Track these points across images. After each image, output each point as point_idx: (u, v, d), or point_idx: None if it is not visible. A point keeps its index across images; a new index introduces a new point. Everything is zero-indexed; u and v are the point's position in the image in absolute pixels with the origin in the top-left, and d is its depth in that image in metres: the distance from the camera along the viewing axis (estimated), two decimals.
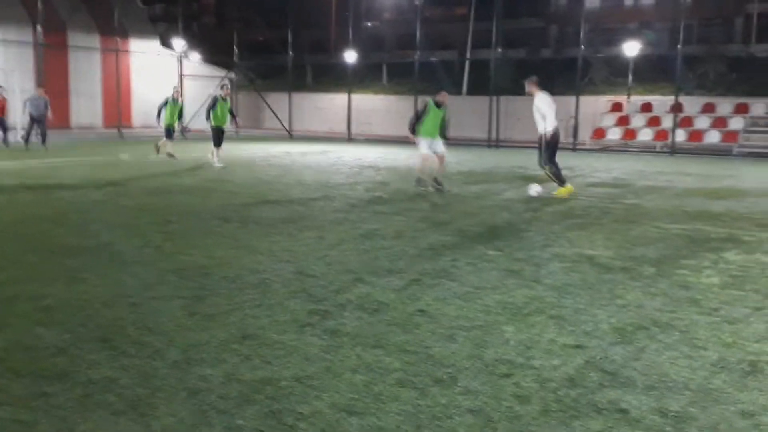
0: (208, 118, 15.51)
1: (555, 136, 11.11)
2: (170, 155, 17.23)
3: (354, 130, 30.85)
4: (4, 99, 20.02)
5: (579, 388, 3.55)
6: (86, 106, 29.11)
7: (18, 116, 21.09)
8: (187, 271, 5.82)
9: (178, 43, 31.56)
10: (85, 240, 7.03)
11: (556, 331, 4.45)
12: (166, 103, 17.40)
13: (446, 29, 38.21)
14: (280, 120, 32.42)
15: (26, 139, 19.41)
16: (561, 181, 11.32)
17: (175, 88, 18.66)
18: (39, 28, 24.92)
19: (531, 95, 11.24)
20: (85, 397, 3.32)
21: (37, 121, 19.35)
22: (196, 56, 34.15)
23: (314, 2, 36.79)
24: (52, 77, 26.40)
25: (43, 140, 19.35)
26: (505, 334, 4.38)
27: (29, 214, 8.52)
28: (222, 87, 16.41)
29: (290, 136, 31.04)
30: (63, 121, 27.76)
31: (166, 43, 33.26)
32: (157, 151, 17.60)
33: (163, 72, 31.46)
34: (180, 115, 18.23)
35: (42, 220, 8.15)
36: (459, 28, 37.19)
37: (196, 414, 3.18)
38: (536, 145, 11.41)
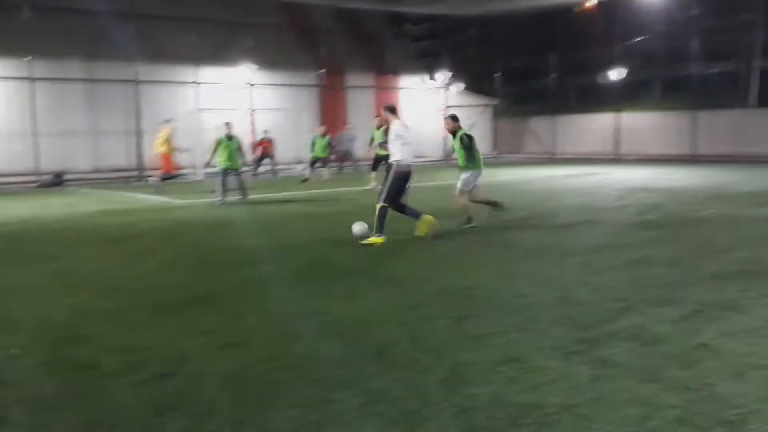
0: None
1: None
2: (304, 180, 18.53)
3: (622, 150, 29.45)
4: (269, 141, 22.73)
5: None
6: (360, 140, 31.70)
7: (290, 152, 23.47)
8: (452, 292, 6.01)
9: (442, 75, 33.04)
10: (360, 262, 7.62)
11: None
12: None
13: (727, 38, 34.81)
14: (542, 143, 32.16)
15: (339, 168, 22.75)
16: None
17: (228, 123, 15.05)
18: (322, 72, 27.89)
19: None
20: (364, 405, 3.59)
21: (345, 153, 22.31)
22: (457, 86, 35.40)
23: (576, 23, 35.98)
24: (331, 115, 29.28)
25: (340, 170, 22.63)
26: None
27: (313, 238, 9.47)
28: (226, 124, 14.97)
29: (553, 160, 30.60)
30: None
31: (431, 77, 35.01)
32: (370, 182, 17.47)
33: (429, 104, 33.15)
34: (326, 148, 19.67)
35: (323, 243, 9.00)
36: (743, 36, 33.62)
37: (465, 431, 3.26)
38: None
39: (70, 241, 9.57)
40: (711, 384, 3.74)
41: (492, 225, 10.22)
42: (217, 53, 26.21)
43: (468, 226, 9.79)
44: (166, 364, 4.29)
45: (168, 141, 17.47)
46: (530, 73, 38.49)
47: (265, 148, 22.91)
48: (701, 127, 27.16)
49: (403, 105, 33.00)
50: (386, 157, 12.16)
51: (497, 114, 35.63)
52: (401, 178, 8.84)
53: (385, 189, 8.87)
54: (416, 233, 8.97)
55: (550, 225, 10.15)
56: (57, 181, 20.37)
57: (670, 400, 3.55)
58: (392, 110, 9.43)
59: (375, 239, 8.63)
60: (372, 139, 17.21)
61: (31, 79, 20.68)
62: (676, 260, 7.22)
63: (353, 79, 31.35)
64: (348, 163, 22.72)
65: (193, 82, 24.24)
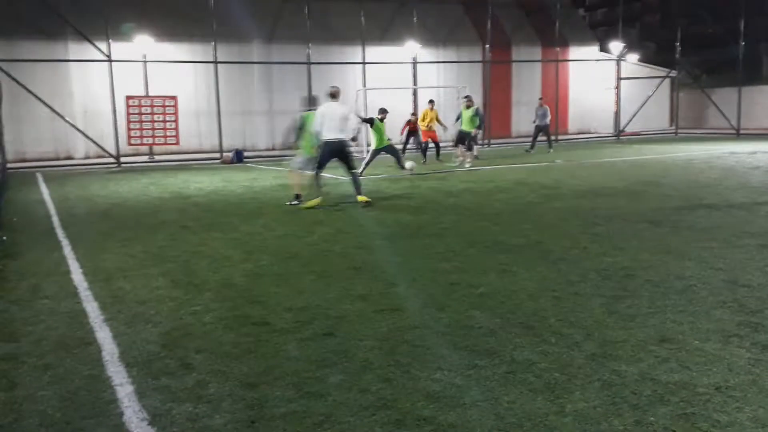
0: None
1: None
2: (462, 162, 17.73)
3: None
4: (414, 123, 22.44)
5: None
6: (526, 115, 31.10)
7: (451, 130, 23.29)
8: (610, 271, 5.90)
9: (616, 46, 31.40)
10: (516, 238, 7.66)
11: None
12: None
13: None
14: (726, 117, 29.66)
15: (532, 146, 22.27)
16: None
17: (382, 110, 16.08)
18: (487, 47, 27.62)
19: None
20: (509, 373, 3.72)
21: (542, 128, 21.89)
22: (633, 58, 33.52)
23: None
24: (496, 91, 28.99)
25: (550, 145, 22.07)
26: None
27: (473, 213, 9.60)
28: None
29: (737, 135, 28.17)
30: (505, 130, 30.25)
31: (604, 48, 33.44)
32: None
33: (600, 76, 31.76)
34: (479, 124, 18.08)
35: (481, 218, 9.12)
36: None
37: (608, 404, 3.29)
38: None
39: (251, 212, 10.47)
40: None
41: (661, 206, 9.77)
42: (384, 32, 26.85)
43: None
44: (328, 324, 4.67)
45: (431, 118, 19.32)
46: (715, 41, 35.56)
47: (412, 126, 23.14)
48: None
49: (574, 78, 31.92)
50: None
51: (679, 86, 33.31)
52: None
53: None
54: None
55: (727, 205, 9.50)
56: (238, 158, 22.09)
57: None
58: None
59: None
60: (458, 117, 18.01)
61: (216, 63, 22.52)
62: None
63: (520, 53, 30.74)
64: (542, 138, 22.03)
65: (361, 62, 25.05)
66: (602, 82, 31.87)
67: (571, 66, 31.67)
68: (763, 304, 4.75)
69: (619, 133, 30.28)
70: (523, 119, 29.84)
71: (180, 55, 23.91)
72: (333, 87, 10.76)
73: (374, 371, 3.82)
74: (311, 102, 11.98)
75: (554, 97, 28.30)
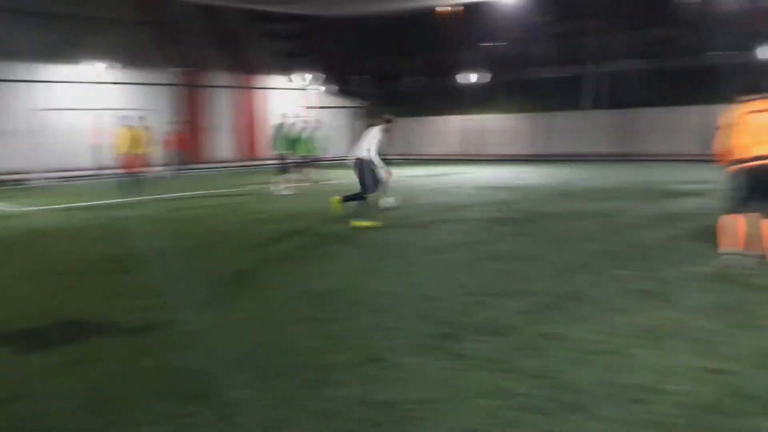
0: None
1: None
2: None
3: (480, 150, 30.74)
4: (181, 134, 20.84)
5: (719, 415, 3.34)
6: (220, 141, 30.87)
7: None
8: (315, 294, 6.03)
9: (308, 76, 32.97)
10: (215, 268, 7.47)
11: (694, 355, 4.20)
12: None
13: (574, 43, 37.27)
14: (406, 144, 32.88)
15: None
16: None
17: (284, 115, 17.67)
18: (176, 70, 27.02)
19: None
20: (224, 416, 3.52)
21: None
22: (324, 87, 35.49)
23: (437, 26, 37.14)
24: (191, 116, 28.39)
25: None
26: (637, 358, 4.20)
27: (183, 242, 9.15)
28: (287, 116, 17.30)
29: (415, 160, 31.41)
30: (203, 155, 29.74)
31: (296, 77, 34.83)
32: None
33: (294, 105, 32.97)
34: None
35: (195, 248, 8.72)
36: (587, 41, 36.15)
37: None
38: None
39: None
40: (556, 371, 4.01)
41: (348, 226, 10.34)
42: (67, 50, 24.65)
43: None
44: (10, 390, 4.00)
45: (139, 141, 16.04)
46: (396, 75, 39.30)
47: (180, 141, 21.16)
48: (552, 128, 28.99)
49: (271, 105, 32.63)
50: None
51: (366, 116, 36.06)
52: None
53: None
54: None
55: (411, 224, 10.42)
56: None
57: (519, 388, 3.77)
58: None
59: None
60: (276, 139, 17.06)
61: None
62: (529, 254, 7.67)
63: (215, 78, 30.55)
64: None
65: (37, 81, 22.70)
66: (297, 110, 33.14)
67: (270, 94, 32.40)
68: (452, 316, 5.25)
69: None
70: (219, 144, 29.67)
71: None
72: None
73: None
74: None
75: (248, 123, 28.64)
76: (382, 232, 9.61)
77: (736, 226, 6.57)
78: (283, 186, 16.19)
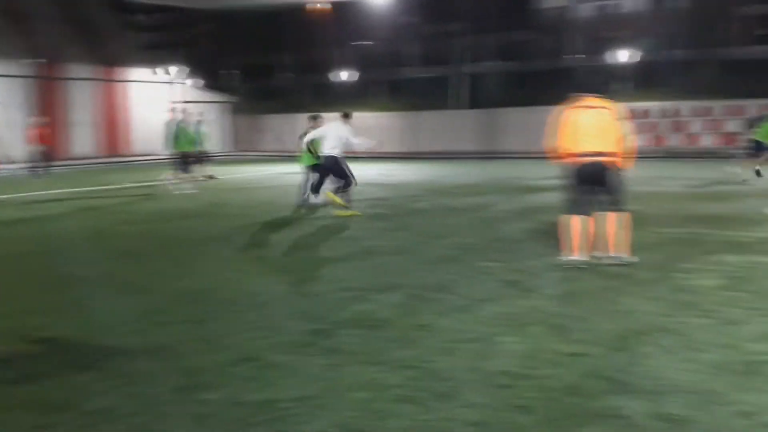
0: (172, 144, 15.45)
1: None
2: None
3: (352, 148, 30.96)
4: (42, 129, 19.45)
5: (580, 396, 3.56)
6: (82, 136, 29.18)
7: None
8: (186, 296, 5.84)
9: (174, 69, 31.78)
10: (85, 271, 7.06)
11: (556, 340, 4.46)
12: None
13: (441, 45, 38.48)
14: (279, 140, 32.58)
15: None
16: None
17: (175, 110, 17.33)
18: (35, 60, 25.18)
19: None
20: (84, 427, 3.33)
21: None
22: (192, 82, 34.40)
23: (308, 24, 37.04)
24: (48, 109, 26.58)
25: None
26: (505, 345, 4.40)
27: (39, 246, 8.55)
28: (182, 111, 16.44)
29: (290, 157, 31.16)
30: (62, 151, 27.93)
31: (162, 70, 33.52)
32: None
33: (163, 99, 31.71)
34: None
35: (54, 252, 8.17)
36: (454, 43, 37.47)
37: None
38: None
39: None
40: (427, 361, 4.12)
41: (228, 225, 10.13)
42: None
43: None
44: None
45: None
46: (267, 71, 38.77)
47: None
48: (422, 126, 29.74)
49: (135, 100, 31.17)
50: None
51: (235, 111, 35.29)
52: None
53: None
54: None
55: (286, 221, 10.34)
56: None
57: (392, 380, 3.83)
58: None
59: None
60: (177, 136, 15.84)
61: None
62: (400, 248, 7.83)
63: (74, 70, 28.77)
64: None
65: None
66: (165, 105, 31.90)
67: (134, 88, 30.94)
68: (326, 311, 5.25)
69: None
70: (79, 140, 28.02)
71: None
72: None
73: None
74: None
75: (110, 118, 27.27)
76: (259, 231, 9.46)
77: (572, 230, 6.58)
78: (189, 185, 15.52)
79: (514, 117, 27.43)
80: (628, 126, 6.69)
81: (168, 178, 15.72)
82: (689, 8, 34.59)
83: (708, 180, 15.37)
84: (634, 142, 6.79)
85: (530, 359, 4.13)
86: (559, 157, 6.77)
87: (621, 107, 6.79)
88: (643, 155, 26.61)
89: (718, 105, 27.51)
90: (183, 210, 11.95)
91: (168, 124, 16.05)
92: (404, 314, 5.13)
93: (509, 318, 4.99)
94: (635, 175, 17.03)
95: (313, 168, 11.65)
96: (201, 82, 35.22)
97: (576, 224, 6.61)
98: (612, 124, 6.55)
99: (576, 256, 6.58)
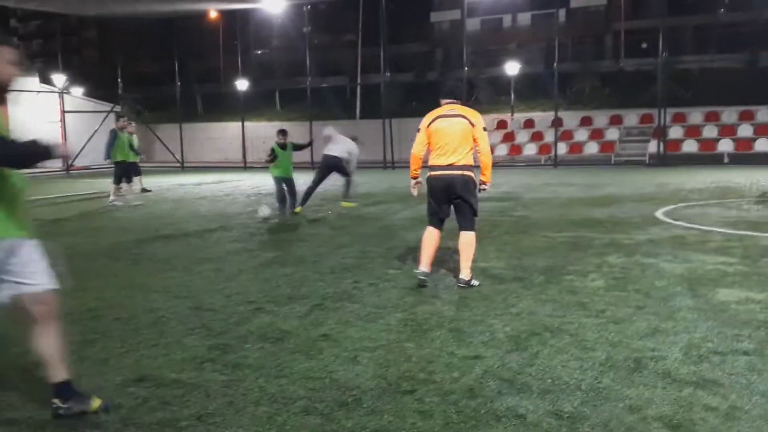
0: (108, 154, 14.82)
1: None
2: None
3: (249, 157, 30.52)
4: None
5: (479, 398, 3.66)
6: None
7: None
8: (75, 315, 5.54)
9: (58, 78, 30.21)
10: None
11: (455, 344, 4.57)
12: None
13: (336, 56, 38.68)
14: (171, 152, 31.62)
15: None
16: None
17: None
18: None
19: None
20: None
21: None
22: (78, 91, 32.82)
23: (201, 32, 36.24)
24: None
25: None
26: (407, 351, 4.45)
27: None
28: (118, 119, 15.85)
29: (182, 168, 30.30)
30: None
31: (45, 80, 31.77)
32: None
33: (43, 109, 30.03)
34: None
35: None
36: (348, 54, 37.78)
37: None
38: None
39: None
40: (331, 371, 4.11)
41: (120, 240, 9.72)
42: None
43: None
44: None
45: None
46: (157, 79, 37.54)
47: None
48: (317, 136, 29.70)
49: (13, 109, 29.31)
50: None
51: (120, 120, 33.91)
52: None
53: None
54: None
55: (182, 234, 10.04)
56: None
57: (297, 392, 3.79)
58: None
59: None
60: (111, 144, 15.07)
61: None
62: (301, 259, 7.78)
63: None
64: None
65: None
66: (45, 114, 30.24)
67: (9, 97, 29.10)
68: (227, 326, 5.13)
69: (68, 167, 29.16)
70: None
71: None
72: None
73: None
74: None
75: None
76: (152, 244, 9.13)
77: (428, 243, 6.36)
78: (133, 196, 14.92)
79: (412, 127, 27.91)
80: (485, 137, 6.24)
81: (111, 198, 14.82)
82: (569, 24, 36.64)
83: (593, 185, 16.24)
84: (489, 154, 6.37)
85: (431, 364, 4.20)
86: (418, 167, 6.49)
87: (480, 117, 6.37)
88: (531, 163, 27.77)
89: (600, 115, 29.19)
90: (75, 224, 11.35)
91: (111, 133, 15.31)
92: (307, 325, 5.09)
93: (411, 324, 5.06)
94: (524, 183, 17.75)
95: (282, 180, 12.49)
96: (79, 90, 33.66)
97: (425, 236, 6.41)
98: (467, 133, 6.12)
99: (420, 268, 6.30)
